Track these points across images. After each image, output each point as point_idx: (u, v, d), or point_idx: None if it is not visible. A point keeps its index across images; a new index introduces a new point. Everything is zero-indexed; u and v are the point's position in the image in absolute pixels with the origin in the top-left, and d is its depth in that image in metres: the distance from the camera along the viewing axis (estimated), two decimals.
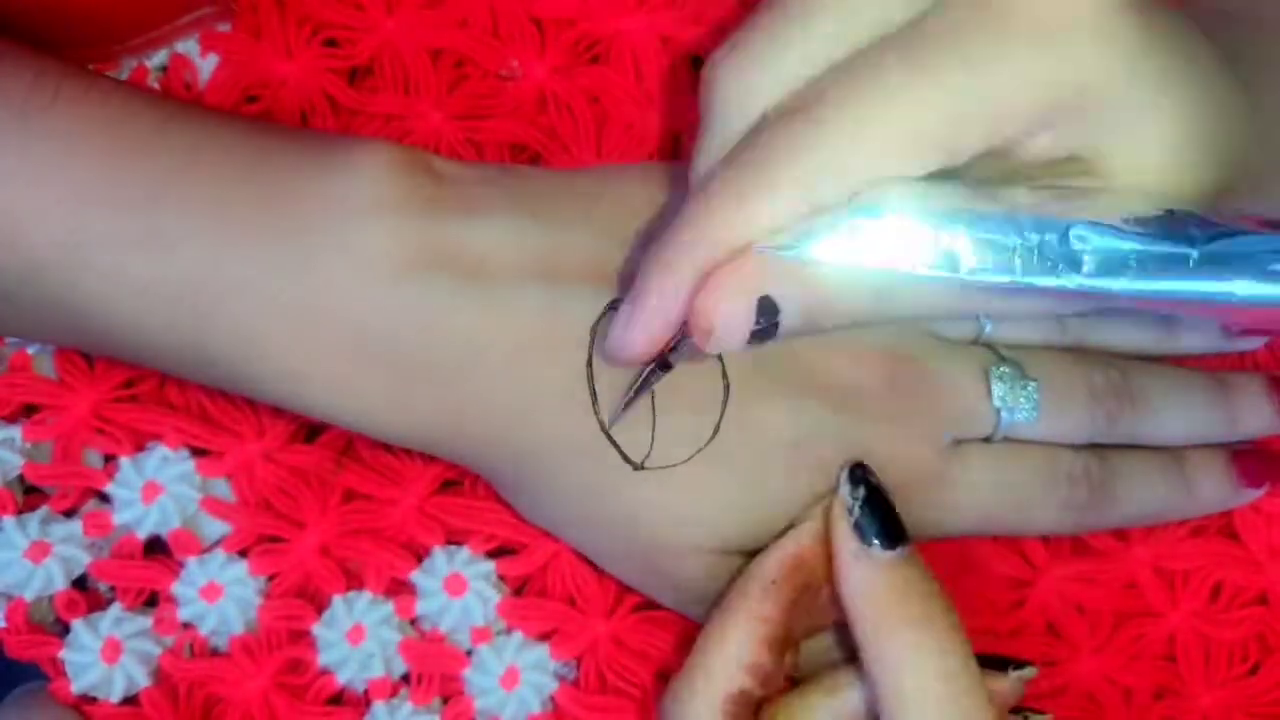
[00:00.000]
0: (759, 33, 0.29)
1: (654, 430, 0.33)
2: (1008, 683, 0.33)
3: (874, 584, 0.32)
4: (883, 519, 0.32)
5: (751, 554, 0.34)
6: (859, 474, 0.33)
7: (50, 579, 0.37)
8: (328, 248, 0.32)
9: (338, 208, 0.32)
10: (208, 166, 0.32)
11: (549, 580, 0.37)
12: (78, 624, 0.37)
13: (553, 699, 0.37)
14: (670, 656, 0.37)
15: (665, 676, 0.37)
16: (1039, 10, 0.27)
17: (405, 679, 0.37)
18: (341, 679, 0.37)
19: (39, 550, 0.37)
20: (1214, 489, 0.37)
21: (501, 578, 0.38)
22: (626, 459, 0.33)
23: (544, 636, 0.37)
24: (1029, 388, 0.35)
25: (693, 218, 0.28)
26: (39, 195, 0.30)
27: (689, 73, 0.40)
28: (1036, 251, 0.27)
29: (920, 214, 0.27)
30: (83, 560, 0.37)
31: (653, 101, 0.39)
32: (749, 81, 0.29)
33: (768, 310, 0.28)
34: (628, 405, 0.32)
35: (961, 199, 0.28)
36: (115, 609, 0.37)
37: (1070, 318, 0.37)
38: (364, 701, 0.37)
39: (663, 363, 0.31)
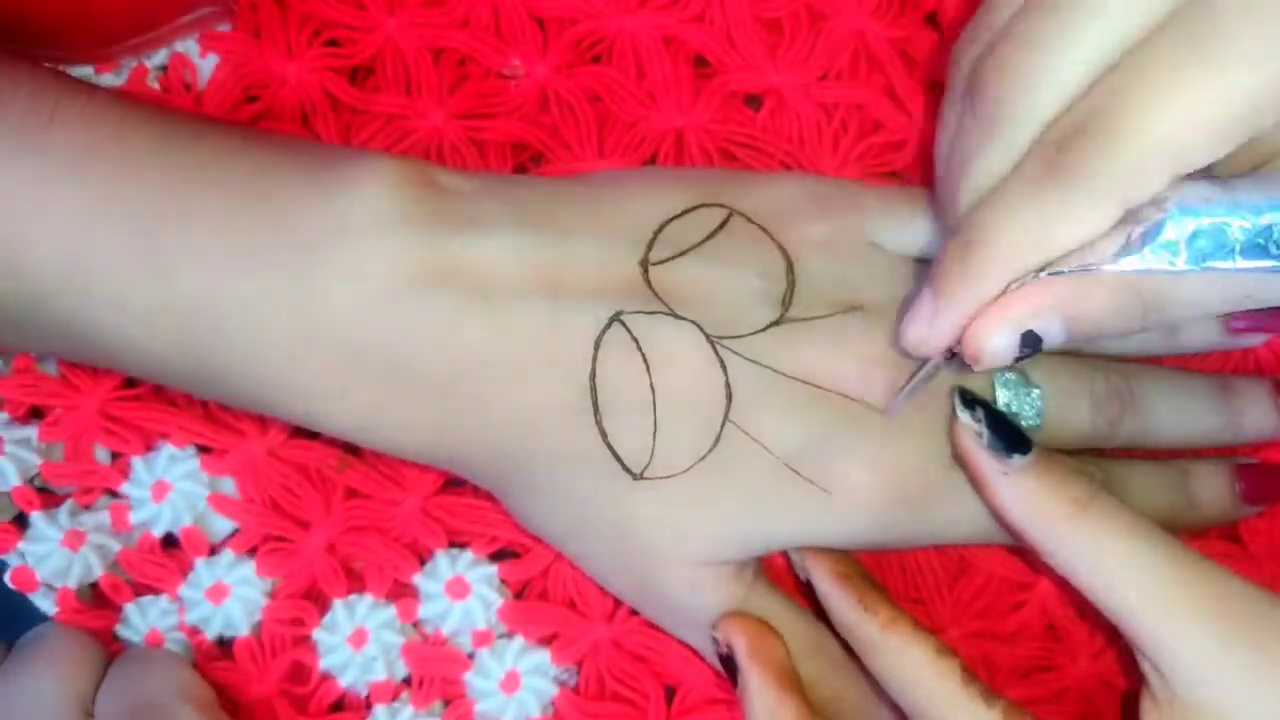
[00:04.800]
0: (1038, 37, 0.30)
1: (654, 441, 0.33)
2: None
3: (1030, 490, 0.32)
4: (1008, 430, 0.33)
5: (742, 563, 0.35)
6: (969, 396, 0.34)
7: (89, 566, 0.37)
8: (330, 265, 0.32)
9: (340, 225, 0.32)
10: (208, 185, 0.32)
11: (550, 584, 0.38)
12: (129, 608, 0.38)
13: (553, 703, 0.37)
14: (671, 662, 0.37)
15: (665, 682, 0.37)
16: None
17: (406, 682, 0.38)
18: (344, 683, 0.37)
19: (75, 538, 0.37)
20: (1216, 503, 0.37)
21: (504, 582, 0.38)
22: (626, 468, 0.33)
23: (545, 641, 0.38)
24: (1032, 394, 0.35)
25: (1000, 230, 0.30)
26: (38, 220, 0.30)
27: (691, 72, 0.39)
28: None
29: (1202, 212, 0.29)
30: (114, 548, 0.38)
31: (655, 101, 0.39)
32: (1035, 91, 0.30)
33: (1032, 341, 0.30)
34: (910, 393, 0.33)
35: (1227, 191, 0.29)
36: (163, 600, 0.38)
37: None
38: (365, 705, 0.37)
39: (950, 354, 0.32)
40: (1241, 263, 0.29)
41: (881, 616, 0.34)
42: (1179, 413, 0.37)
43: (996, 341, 0.30)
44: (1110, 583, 0.31)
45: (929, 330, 0.31)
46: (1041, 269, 0.30)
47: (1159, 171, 0.28)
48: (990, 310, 0.30)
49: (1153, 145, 0.28)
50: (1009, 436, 0.33)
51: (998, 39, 0.31)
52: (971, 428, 0.33)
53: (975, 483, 0.34)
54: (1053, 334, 0.30)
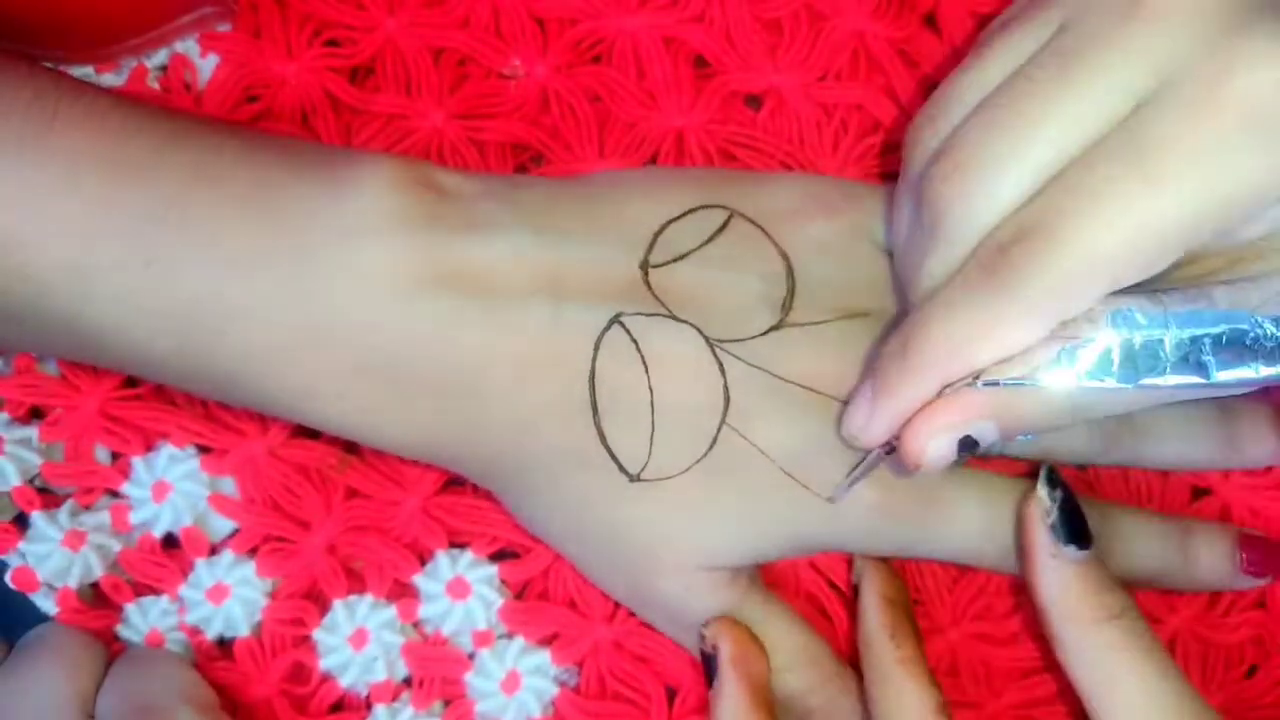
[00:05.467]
0: (981, 151, 0.30)
1: (652, 443, 0.33)
2: None
3: (1070, 583, 0.33)
4: (1076, 521, 0.33)
5: (738, 569, 0.35)
6: (1056, 477, 0.34)
7: (90, 566, 0.37)
8: (332, 266, 0.32)
9: (341, 226, 0.32)
10: (209, 187, 0.32)
11: (551, 585, 0.38)
12: (130, 608, 0.38)
13: (553, 704, 0.37)
14: (670, 663, 0.37)
15: (666, 683, 0.37)
16: (1252, 103, 0.27)
17: (407, 682, 0.38)
18: (344, 683, 0.37)
19: (75, 538, 0.37)
20: (1214, 568, 0.37)
21: (504, 582, 0.38)
22: (623, 470, 0.34)
23: (545, 641, 0.38)
24: None
25: (936, 333, 0.30)
26: (41, 221, 0.30)
27: (691, 72, 0.39)
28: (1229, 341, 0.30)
29: (1135, 327, 0.29)
30: (115, 548, 0.38)
31: (655, 101, 0.39)
32: (975, 203, 0.30)
33: (968, 445, 0.30)
34: (853, 483, 0.33)
35: (1159, 306, 0.30)
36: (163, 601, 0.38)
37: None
38: (365, 705, 0.37)
39: (889, 448, 0.32)
40: (1172, 378, 0.29)
41: (903, 651, 0.34)
42: (1178, 434, 0.37)
43: (934, 448, 0.30)
44: (1108, 692, 0.32)
45: (866, 424, 0.32)
46: (977, 377, 0.30)
47: (1092, 285, 0.29)
48: (926, 417, 0.30)
49: (1087, 258, 0.28)
50: (1075, 529, 0.33)
51: (946, 145, 0.31)
52: (1044, 504, 0.33)
53: (1022, 553, 0.34)
54: (987, 437, 0.31)
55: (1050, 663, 0.38)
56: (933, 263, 0.31)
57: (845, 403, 0.33)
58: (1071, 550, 0.33)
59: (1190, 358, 0.29)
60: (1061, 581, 0.33)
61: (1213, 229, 0.28)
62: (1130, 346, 0.29)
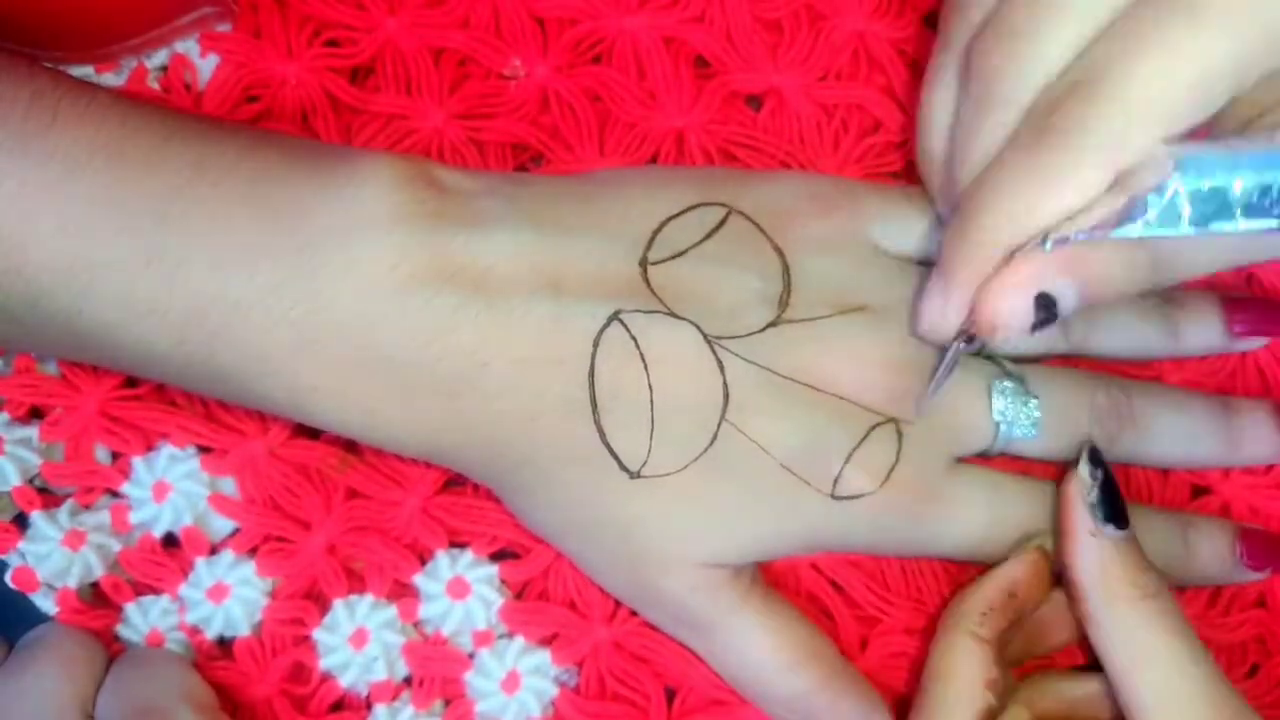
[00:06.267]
0: (1030, 12, 0.30)
1: (651, 440, 0.33)
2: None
3: (1107, 561, 0.33)
4: (1115, 502, 0.34)
5: (739, 567, 0.35)
6: (1098, 455, 0.34)
7: (90, 566, 0.37)
8: (333, 264, 0.32)
9: (342, 224, 0.32)
10: (210, 185, 0.32)
11: (551, 585, 0.38)
12: (130, 608, 0.38)
13: (553, 704, 0.37)
14: (670, 663, 0.37)
15: (666, 683, 0.37)
16: None
17: (407, 682, 0.38)
18: (344, 683, 0.37)
19: (75, 538, 0.37)
20: (1215, 560, 0.37)
21: (504, 582, 0.38)
22: (623, 466, 0.34)
23: (545, 641, 0.38)
24: (1030, 404, 0.35)
25: (996, 200, 0.30)
26: (41, 221, 0.30)
27: (691, 72, 0.39)
28: None
29: (1203, 173, 0.29)
30: (115, 548, 0.38)
31: (655, 101, 0.39)
32: (1024, 61, 0.30)
33: (1046, 304, 0.30)
34: (937, 387, 0.33)
35: (1226, 151, 0.29)
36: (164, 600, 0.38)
37: (1075, 322, 0.37)
38: (365, 705, 0.37)
39: (969, 337, 0.32)
40: (1243, 223, 0.29)
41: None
42: (1179, 431, 0.37)
43: (1009, 305, 0.30)
44: (1140, 672, 0.33)
45: (941, 312, 0.32)
46: (1045, 239, 0.30)
47: (1146, 130, 0.29)
48: (1001, 276, 0.30)
49: (1138, 104, 0.28)
50: (1114, 507, 0.34)
51: (995, 13, 0.31)
52: (1085, 482, 0.34)
53: (1060, 530, 0.34)
54: (1066, 296, 0.30)
55: (1050, 661, 0.38)
56: (985, 131, 0.31)
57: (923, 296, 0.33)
58: (1110, 529, 0.33)
59: (1261, 200, 0.29)
60: (1099, 560, 0.33)
61: (1262, 67, 0.28)
62: (1199, 192, 0.29)
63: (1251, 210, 0.29)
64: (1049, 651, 0.37)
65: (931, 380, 0.33)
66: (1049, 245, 0.30)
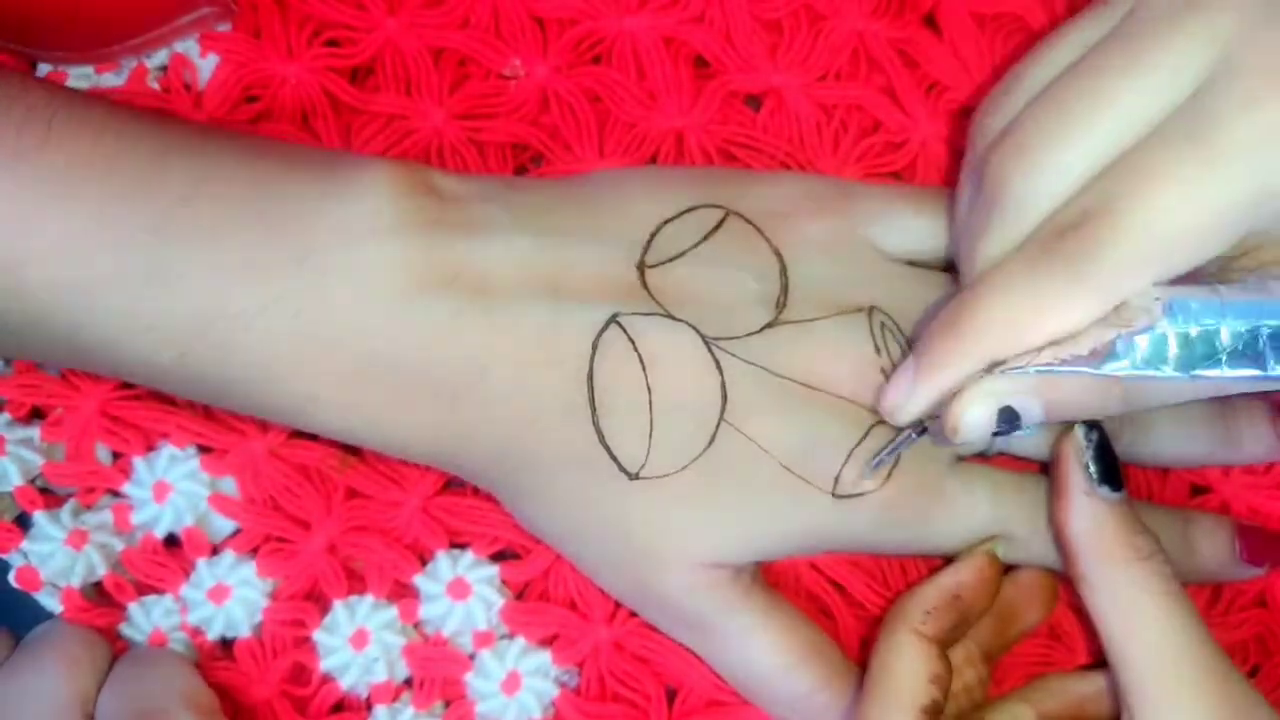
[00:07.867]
0: (1045, 130, 0.31)
1: (650, 441, 0.33)
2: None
3: (1102, 521, 0.34)
4: (1110, 464, 0.34)
5: (739, 567, 0.35)
6: (1094, 420, 0.34)
7: (92, 566, 0.37)
8: (333, 272, 0.32)
9: (341, 232, 0.32)
10: (209, 198, 0.32)
11: (551, 585, 0.38)
12: (133, 607, 0.38)
13: (554, 705, 0.37)
14: (670, 663, 0.37)
15: (667, 683, 0.37)
16: None
17: (407, 683, 0.38)
18: (345, 684, 0.37)
19: (78, 538, 0.37)
20: (1214, 557, 0.37)
21: (504, 582, 0.38)
22: (622, 468, 0.34)
23: (546, 642, 0.38)
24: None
25: (990, 308, 0.30)
26: (39, 239, 0.30)
27: (691, 72, 0.39)
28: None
29: (1192, 317, 0.29)
30: (117, 548, 0.38)
31: (655, 101, 0.39)
32: (1037, 181, 0.31)
33: (1010, 419, 0.30)
34: (879, 464, 0.34)
35: (1217, 296, 0.30)
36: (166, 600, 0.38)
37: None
38: (366, 706, 0.37)
39: (920, 429, 0.32)
40: (1229, 370, 0.30)
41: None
42: (1178, 430, 0.38)
43: (974, 413, 0.31)
44: (1133, 633, 0.33)
45: (907, 397, 0.32)
46: (1028, 364, 0.30)
47: (1152, 265, 0.29)
48: (972, 385, 0.31)
49: (1147, 239, 0.29)
50: (1108, 469, 0.34)
51: (1010, 126, 0.32)
52: (1080, 442, 0.34)
53: (1055, 490, 0.35)
54: (1032, 413, 0.31)
55: (1050, 660, 0.38)
56: (991, 240, 0.31)
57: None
58: (1105, 490, 0.34)
59: (1247, 349, 0.29)
60: (1094, 520, 0.34)
61: (1270, 214, 0.28)
62: (1186, 336, 0.29)
63: (1236, 358, 0.30)
64: (1023, 632, 0.37)
65: (875, 456, 0.34)
66: (1031, 370, 0.30)
